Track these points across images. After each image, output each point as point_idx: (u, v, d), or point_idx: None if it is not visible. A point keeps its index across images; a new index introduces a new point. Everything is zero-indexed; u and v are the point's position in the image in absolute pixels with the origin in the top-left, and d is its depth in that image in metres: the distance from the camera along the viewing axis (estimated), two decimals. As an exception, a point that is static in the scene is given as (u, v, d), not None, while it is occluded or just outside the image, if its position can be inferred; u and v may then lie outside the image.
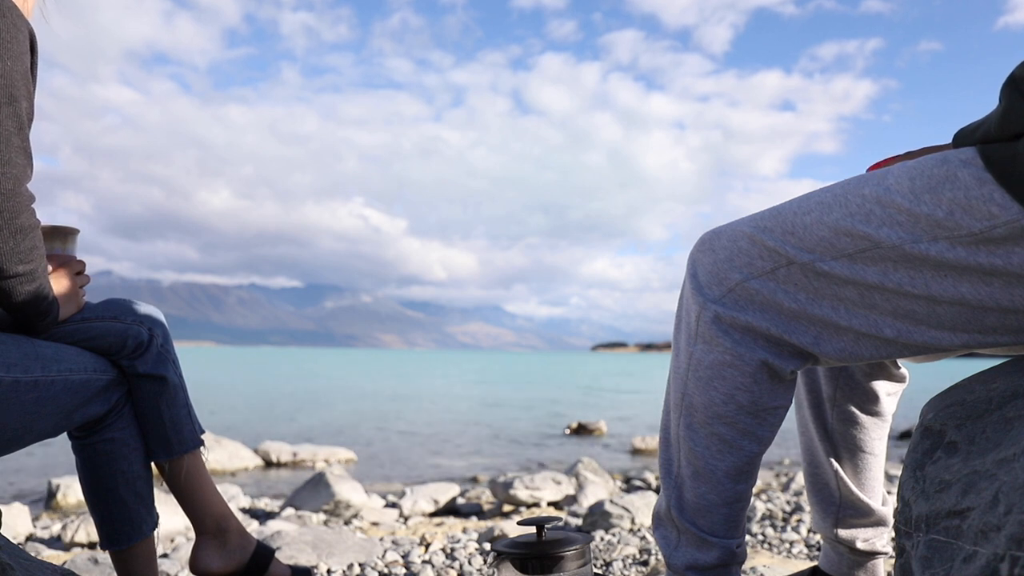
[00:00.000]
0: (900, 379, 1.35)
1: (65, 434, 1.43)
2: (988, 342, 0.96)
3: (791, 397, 1.08)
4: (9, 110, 1.08)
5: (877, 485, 1.38)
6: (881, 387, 1.33)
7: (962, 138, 0.94)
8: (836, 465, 1.35)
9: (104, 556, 2.38)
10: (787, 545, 2.67)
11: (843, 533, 1.37)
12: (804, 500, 3.84)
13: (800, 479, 5.03)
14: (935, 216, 0.88)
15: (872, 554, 1.38)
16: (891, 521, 1.36)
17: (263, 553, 1.56)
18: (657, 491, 5.03)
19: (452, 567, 2.32)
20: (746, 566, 2.11)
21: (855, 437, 1.34)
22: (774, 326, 1.01)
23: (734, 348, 1.03)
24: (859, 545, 1.37)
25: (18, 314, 1.23)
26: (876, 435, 1.35)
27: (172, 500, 1.61)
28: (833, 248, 0.95)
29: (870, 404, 1.33)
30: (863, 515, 1.36)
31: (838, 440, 1.35)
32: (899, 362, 1.34)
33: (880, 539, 1.38)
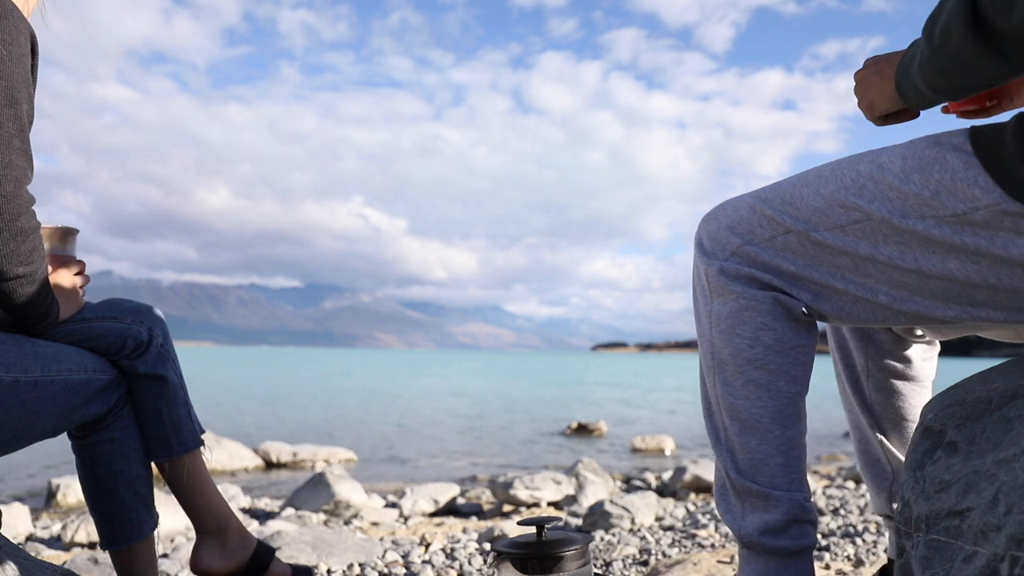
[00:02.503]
0: (930, 343, 1.34)
1: (65, 434, 1.43)
2: (982, 316, 0.98)
3: (815, 336, 1.10)
4: (10, 112, 1.08)
5: None
6: (913, 352, 1.33)
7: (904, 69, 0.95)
8: (881, 437, 1.34)
9: (104, 556, 2.38)
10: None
11: (898, 504, 1.35)
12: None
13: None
14: (922, 196, 0.93)
15: None
16: None
17: (264, 552, 1.56)
18: (657, 491, 5.04)
19: (452, 567, 2.32)
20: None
21: (895, 406, 1.33)
22: (776, 280, 1.06)
23: (745, 291, 1.07)
24: None
25: (18, 315, 1.23)
26: (916, 402, 1.33)
27: (172, 500, 1.61)
28: (827, 219, 1.00)
29: (904, 370, 1.32)
30: None
31: (879, 412, 1.34)
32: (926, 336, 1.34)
33: None
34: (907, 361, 1.32)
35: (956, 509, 0.89)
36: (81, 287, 1.42)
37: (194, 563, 1.53)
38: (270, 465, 7.14)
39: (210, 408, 13.47)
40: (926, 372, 1.34)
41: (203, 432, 1.55)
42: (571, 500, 4.68)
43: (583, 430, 10.59)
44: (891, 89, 1.01)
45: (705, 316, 1.12)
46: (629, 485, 5.49)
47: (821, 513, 3.42)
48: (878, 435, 1.34)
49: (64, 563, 2.26)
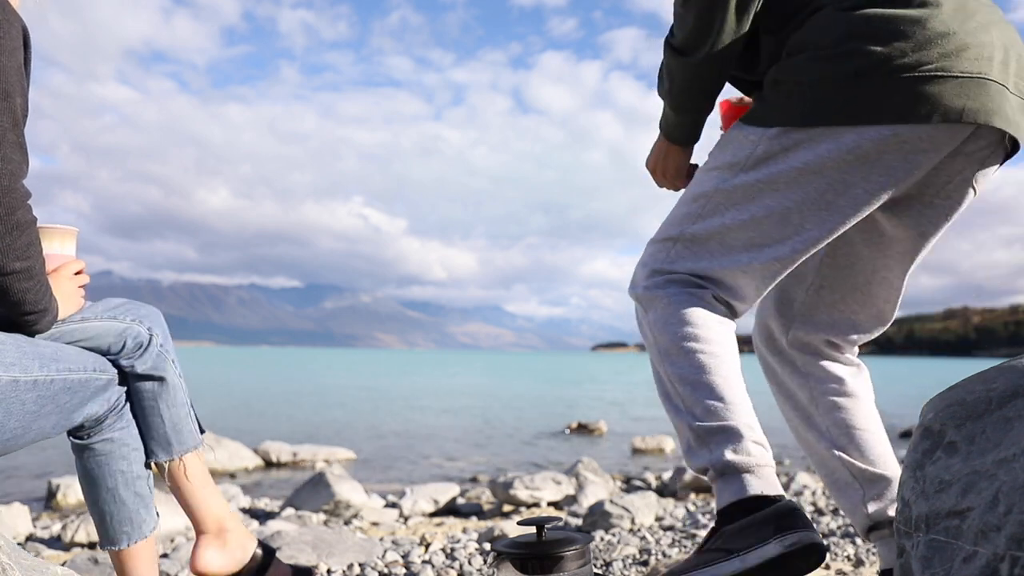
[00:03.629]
0: (851, 364, 1.52)
1: (65, 434, 1.43)
2: (810, 238, 1.23)
3: (730, 315, 1.32)
4: (4, 105, 1.08)
5: (884, 455, 1.45)
6: (844, 373, 1.50)
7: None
8: (839, 453, 1.45)
9: (104, 556, 2.38)
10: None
11: (872, 509, 1.42)
12: (803, 500, 3.85)
13: (800, 479, 5.05)
14: (726, 159, 1.28)
15: None
16: None
17: (264, 553, 1.56)
18: (657, 491, 5.04)
19: (452, 567, 2.32)
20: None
21: (842, 419, 1.46)
22: (687, 276, 1.32)
23: (666, 292, 1.30)
24: (891, 513, 1.40)
25: (15, 311, 1.22)
26: (859, 412, 1.47)
27: (172, 500, 1.61)
28: (688, 216, 1.31)
29: (842, 388, 1.49)
30: (883, 485, 1.41)
31: (832, 431, 1.47)
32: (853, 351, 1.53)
33: None
34: (842, 381, 1.50)
35: (956, 509, 0.89)
36: (81, 287, 1.42)
37: (194, 563, 1.53)
38: (270, 465, 7.14)
39: (210, 408, 13.47)
40: (860, 388, 1.51)
41: (203, 432, 1.55)
42: (571, 500, 4.68)
43: (583, 430, 10.59)
44: (666, 145, 1.43)
45: (648, 331, 1.33)
46: (629, 485, 5.49)
47: (821, 513, 3.42)
48: (836, 452, 1.46)
49: (64, 563, 2.26)
